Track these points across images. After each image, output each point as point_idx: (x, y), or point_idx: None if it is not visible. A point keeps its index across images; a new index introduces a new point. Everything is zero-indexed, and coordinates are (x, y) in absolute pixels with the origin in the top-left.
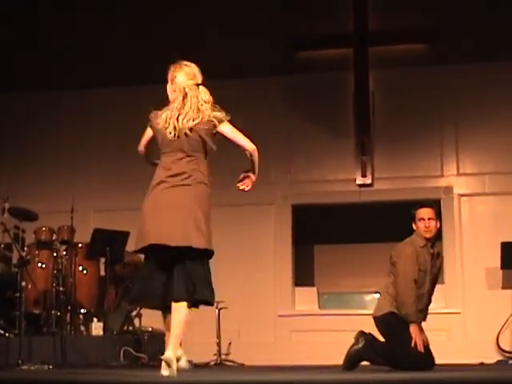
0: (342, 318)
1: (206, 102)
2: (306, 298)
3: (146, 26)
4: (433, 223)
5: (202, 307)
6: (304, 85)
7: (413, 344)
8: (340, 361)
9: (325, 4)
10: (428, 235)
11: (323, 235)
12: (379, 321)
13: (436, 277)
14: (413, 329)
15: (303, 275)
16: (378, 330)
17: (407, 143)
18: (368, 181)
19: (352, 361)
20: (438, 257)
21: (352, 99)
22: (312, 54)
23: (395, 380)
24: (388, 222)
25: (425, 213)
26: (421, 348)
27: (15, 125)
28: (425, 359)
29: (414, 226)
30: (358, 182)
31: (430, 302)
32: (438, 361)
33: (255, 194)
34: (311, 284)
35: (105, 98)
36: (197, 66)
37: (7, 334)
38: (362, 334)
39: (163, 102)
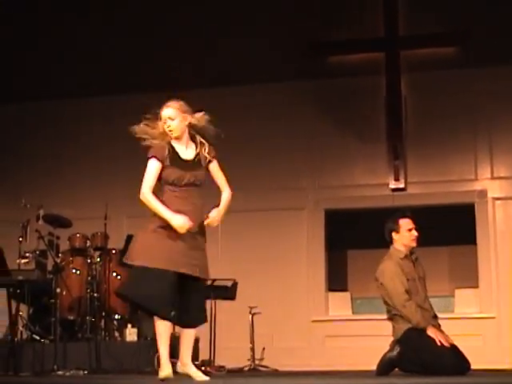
0: (376, 322)
1: None
2: (340, 303)
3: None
4: (416, 232)
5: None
6: (335, 89)
7: (438, 343)
8: (373, 366)
9: (355, 9)
10: (415, 244)
11: (356, 240)
12: (401, 343)
13: (424, 282)
14: (430, 330)
15: (336, 280)
16: (406, 351)
17: (440, 147)
18: (401, 185)
19: (385, 367)
20: (418, 262)
21: (384, 103)
22: (343, 59)
23: None
24: (422, 226)
25: (411, 223)
26: (446, 343)
27: (46, 131)
28: (456, 357)
29: (396, 236)
30: (391, 186)
31: (431, 306)
32: (472, 366)
33: (287, 199)
34: (344, 289)
35: (139, 102)
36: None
37: (43, 340)
38: (397, 341)
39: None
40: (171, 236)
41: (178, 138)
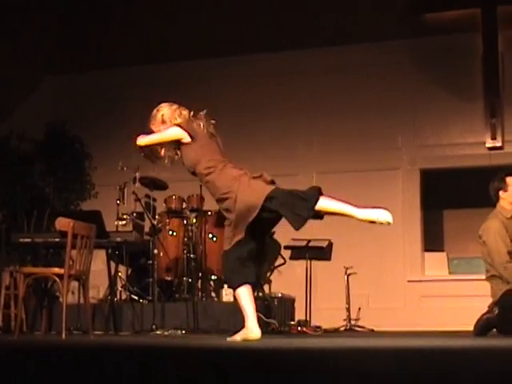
0: (473, 283)
1: None
2: (436, 263)
3: None
4: None
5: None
6: (431, 47)
7: None
8: (470, 327)
9: None
10: None
11: (452, 199)
12: (500, 305)
13: None
14: None
15: (432, 240)
16: (504, 312)
17: None
18: (498, 143)
19: (483, 328)
20: None
21: (480, 61)
22: (438, 16)
23: None
24: None
25: None
26: None
27: (138, 93)
28: None
29: (504, 195)
30: (487, 144)
31: None
32: None
33: (382, 159)
34: (441, 249)
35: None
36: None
37: (141, 301)
38: (496, 303)
39: None
40: None
41: None
